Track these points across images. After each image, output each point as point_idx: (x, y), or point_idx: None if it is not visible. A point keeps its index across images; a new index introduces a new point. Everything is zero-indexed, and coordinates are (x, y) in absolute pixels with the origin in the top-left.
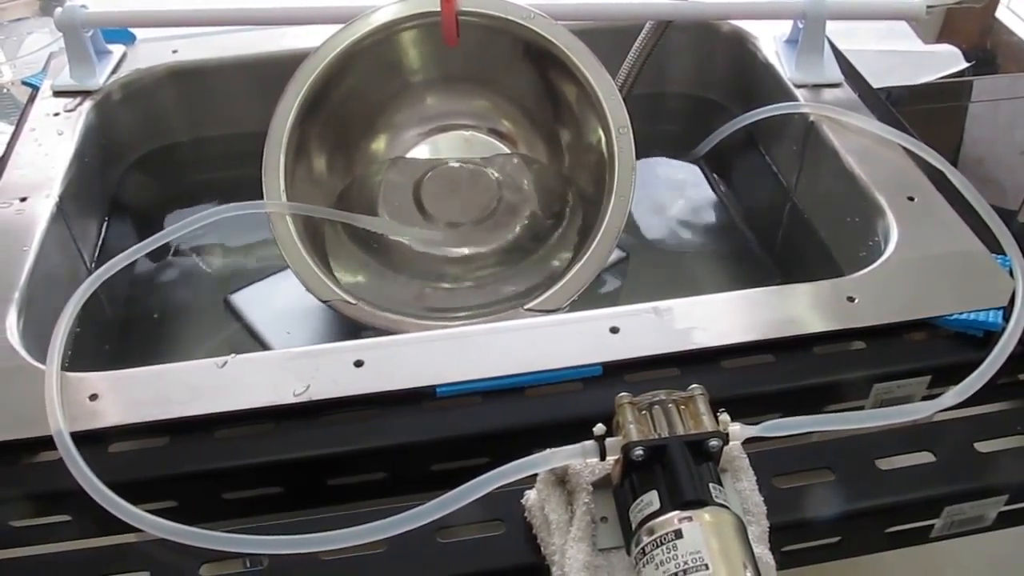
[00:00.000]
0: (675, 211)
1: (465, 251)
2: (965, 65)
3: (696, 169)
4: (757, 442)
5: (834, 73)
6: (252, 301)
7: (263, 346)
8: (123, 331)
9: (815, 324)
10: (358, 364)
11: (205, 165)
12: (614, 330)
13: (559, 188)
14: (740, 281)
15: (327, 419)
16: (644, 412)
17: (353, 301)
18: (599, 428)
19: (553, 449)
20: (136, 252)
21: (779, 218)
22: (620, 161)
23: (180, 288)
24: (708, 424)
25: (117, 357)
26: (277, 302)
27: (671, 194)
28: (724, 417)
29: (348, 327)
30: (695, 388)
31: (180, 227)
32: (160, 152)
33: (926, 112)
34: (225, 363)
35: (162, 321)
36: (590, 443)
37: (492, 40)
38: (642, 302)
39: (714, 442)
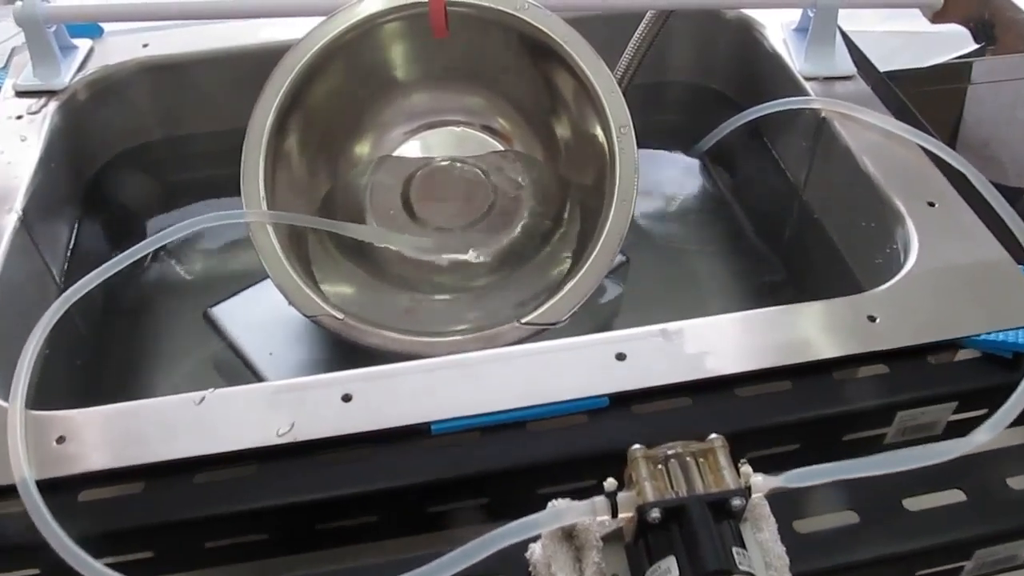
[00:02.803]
0: (676, 208)
1: (458, 258)
2: (974, 47)
3: (698, 164)
4: None
5: (846, 65)
6: (233, 315)
7: (246, 364)
8: (97, 346)
9: (834, 347)
10: (346, 399)
11: (182, 165)
12: (620, 356)
13: (557, 190)
14: (746, 285)
15: (314, 460)
16: (660, 466)
17: (340, 316)
18: (610, 484)
19: (561, 505)
20: (105, 271)
21: (787, 217)
22: (622, 162)
23: (159, 297)
24: (729, 480)
25: (92, 377)
26: (260, 315)
27: (672, 190)
28: (746, 469)
29: (336, 342)
30: (714, 439)
31: (153, 241)
32: (133, 153)
33: (921, 95)
34: (203, 399)
35: (140, 334)
36: (600, 499)
37: (483, 32)
38: (644, 309)
39: (737, 501)
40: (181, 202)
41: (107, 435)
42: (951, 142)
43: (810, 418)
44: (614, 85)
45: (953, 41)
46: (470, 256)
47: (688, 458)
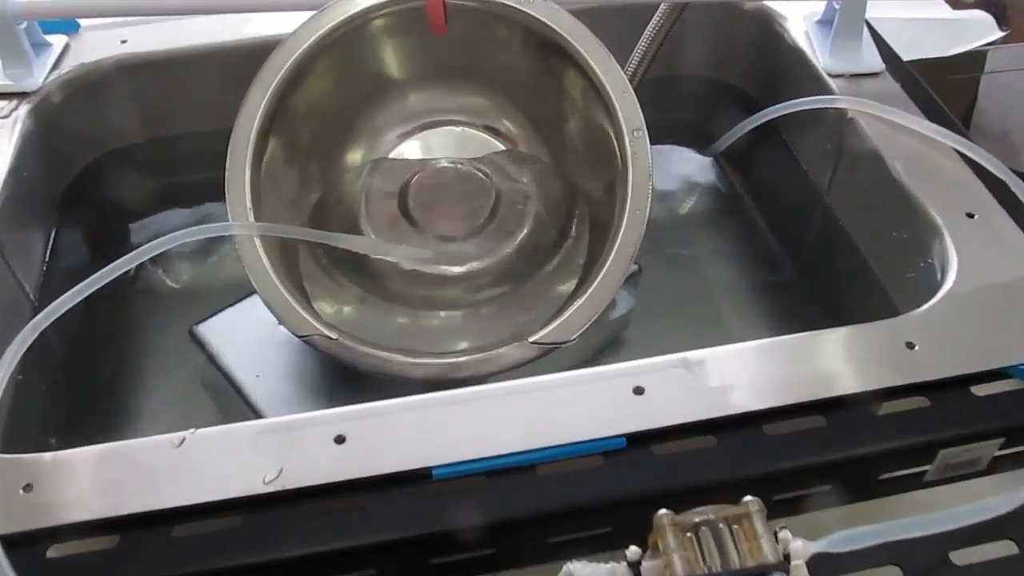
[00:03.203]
0: (689, 210)
1: (459, 270)
2: (1000, 34)
3: (713, 163)
4: None
5: (873, 60)
6: (220, 333)
7: (233, 386)
8: (77, 367)
9: (871, 378)
10: (339, 440)
11: (167, 169)
12: (638, 390)
13: (565, 195)
14: (764, 295)
15: (304, 510)
16: (689, 535)
17: (333, 336)
18: (633, 552)
19: (577, 571)
20: (78, 294)
21: (809, 223)
22: (635, 168)
23: (144, 310)
24: (767, 549)
25: (71, 402)
26: (249, 332)
27: (684, 191)
28: (784, 535)
29: (329, 362)
30: (749, 503)
31: (131, 258)
32: (113, 158)
33: (931, 85)
34: (183, 441)
35: (124, 352)
36: (622, 569)
37: (484, 28)
38: (655, 320)
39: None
40: (166, 208)
41: (79, 483)
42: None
43: (845, 458)
44: (626, 84)
45: (977, 28)
46: (472, 267)
47: (721, 525)
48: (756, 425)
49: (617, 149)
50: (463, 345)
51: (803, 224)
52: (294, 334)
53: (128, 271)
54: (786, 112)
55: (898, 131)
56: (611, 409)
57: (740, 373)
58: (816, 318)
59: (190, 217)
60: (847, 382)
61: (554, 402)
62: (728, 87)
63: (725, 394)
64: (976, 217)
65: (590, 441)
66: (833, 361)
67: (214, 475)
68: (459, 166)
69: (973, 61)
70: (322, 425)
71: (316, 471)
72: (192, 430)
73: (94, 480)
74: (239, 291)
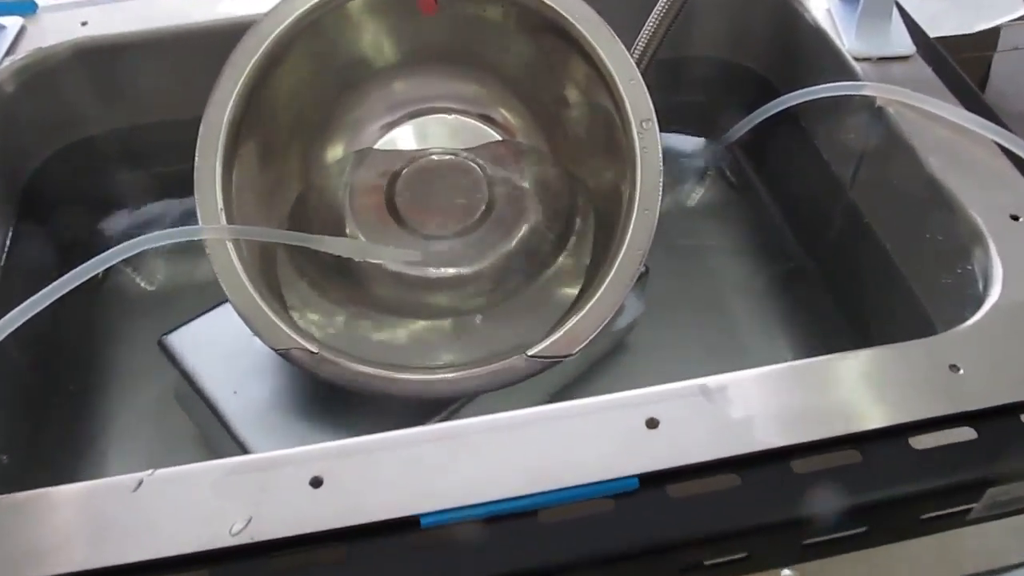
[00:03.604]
0: (699, 203)
1: (450, 272)
2: None
3: (726, 152)
4: None
5: (903, 42)
6: (191, 344)
7: (206, 403)
8: (38, 373)
9: (911, 407)
10: (316, 483)
11: (134, 161)
12: (652, 423)
13: (567, 191)
14: (780, 295)
15: (276, 564)
16: None
17: (314, 350)
18: None
19: None
20: (29, 309)
21: (831, 220)
22: (644, 164)
23: (113, 312)
24: None
25: (32, 422)
26: (223, 343)
27: (695, 182)
28: None
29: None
30: None
31: (89, 268)
32: (74, 150)
33: None
34: (140, 484)
35: (90, 358)
36: None
37: (478, 7)
38: (660, 325)
39: None
40: (134, 203)
41: (19, 534)
42: None
43: (883, 499)
44: (634, 71)
45: (1002, 4)
46: (464, 270)
47: None
48: (784, 462)
49: (624, 142)
50: (454, 358)
51: (824, 221)
52: (271, 348)
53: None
54: (807, 99)
55: (933, 121)
56: (621, 445)
57: (765, 402)
58: (838, 324)
59: (161, 211)
60: (884, 412)
61: (557, 437)
62: (743, 70)
63: (749, 427)
64: (1022, 219)
65: (599, 483)
66: (868, 388)
67: (175, 525)
68: (451, 157)
69: (987, 39)
70: (296, 465)
71: (289, 520)
72: (150, 471)
73: (36, 531)
74: (219, 295)
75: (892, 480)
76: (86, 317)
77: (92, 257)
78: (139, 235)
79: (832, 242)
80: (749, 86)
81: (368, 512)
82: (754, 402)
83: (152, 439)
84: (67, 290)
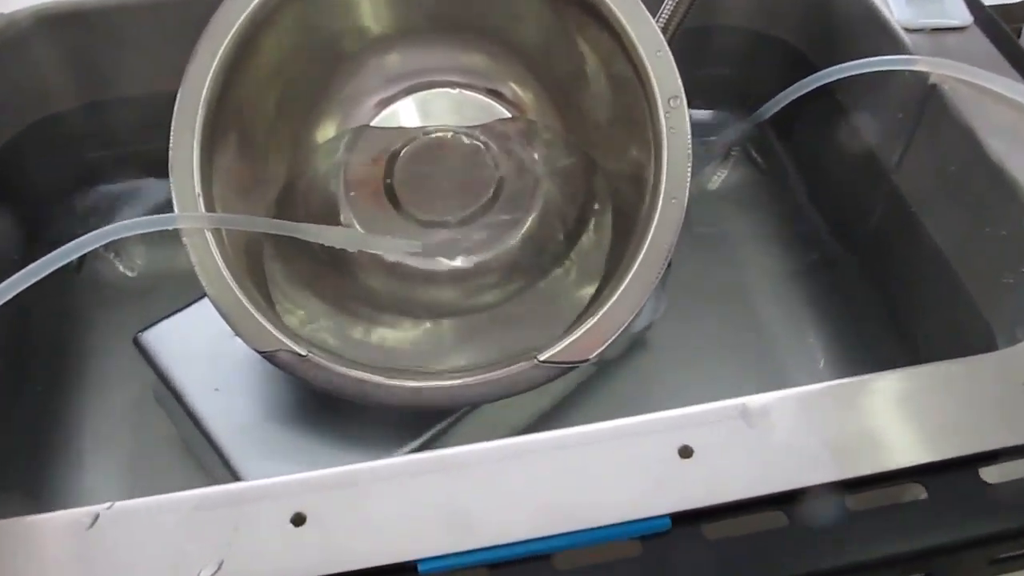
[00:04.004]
0: (725, 188)
1: (454, 265)
2: None
3: (752, 131)
4: None
5: (959, 11)
6: (170, 342)
7: (184, 408)
8: (7, 369)
9: (983, 434)
10: (298, 521)
11: (106, 139)
12: (685, 452)
13: (583, 177)
14: (813, 290)
15: None
16: None
17: (303, 352)
18: None
19: None
20: None
21: (871, 207)
22: (671, 147)
23: (90, 302)
24: None
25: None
26: (204, 342)
27: (718, 163)
28: None
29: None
30: None
31: (48, 261)
32: (41, 128)
33: None
34: (96, 520)
35: (63, 353)
36: None
37: None
38: (682, 323)
39: None
40: (108, 183)
41: None
42: None
43: (952, 542)
44: (661, 41)
45: None
46: (469, 262)
47: None
48: (838, 498)
49: (649, 121)
50: (456, 362)
51: (863, 209)
52: (254, 349)
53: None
54: (851, 73)
55: (993, 100)
56: (652, 478)
57: (814, 427)
58: (878, 324)
59: (137, 192)
60: (951, 440)
61: (576, 468)
62: (775, 42)
63: (796, 457)
64: None
65: (624, 523)
66: (930, 410)
67: (135, 570)
68: (455, 136)
69: (1012, 12)
70: (275, 499)
71: (266, 565)
72: (108, 504)
73: None
74: (202, 288)
75: (961, 521)
76: (60, 307)
77: (60, 247)
78: (116, 220)
79: (872, 233)
80: (780, 58)
81: (358, 557)
82: (801, 427)
83: (131, 440)
84: (29, 284)
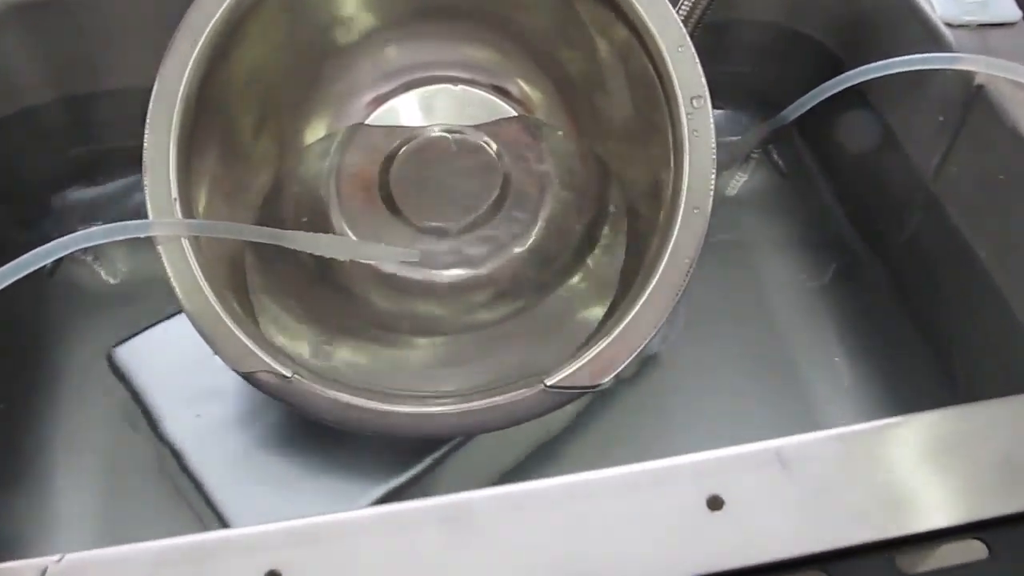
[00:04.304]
0: (745, 193)
1: (455, 275)
2: None
3: (775, 133)
4: None
5: (1007, 6)
6: (147, 359)
7: (158, 433)
8: None
9: None
10: None
11: (84, 135)
12: (715, 503)
13: (596, 184)
14: (837, 305)
15: None
16: None
17: (288, 373)
18: None
19: None
20: None
21: (905, 216)
22: (693, 151)
23: (65, 312)
24: None
25: None
26: (183, 358)
27: (737, 166)
28: None
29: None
30: None
31: (19, 265)
32: (12, 123)
33: None
34: (44, 573)
35: (36, 364)
36: None
37: None
38: (699, 340)
39: None
40: (87, 182)
41: None
42: None
43: None
44: (683, 35)
45: None
46: (470, 274)
47: None
48: (887, 558)
49: (669, 123)
50: (453, 386)
51: (896, 218)
52: (234, 370)
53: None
54: (888, 72)
55: None
56: (676, 534)
57: (862, 475)
58: (912, 344)
59: (117, 192)
60: (1014, 491)
61: (591, 521)
62: (801, 38)
63: (841, 509)
64: None
65: None
66: (989, 455)
67: None
68: (457, 136)
69: None
70: (246, 553)
71: None
72: (58, 556)
73: None
74: None
75: None
76: (32, 315)
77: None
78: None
79: (906, 245)
80: (807, 55)
81: None
82: (846, 475)
83: (104, 463)
84: None
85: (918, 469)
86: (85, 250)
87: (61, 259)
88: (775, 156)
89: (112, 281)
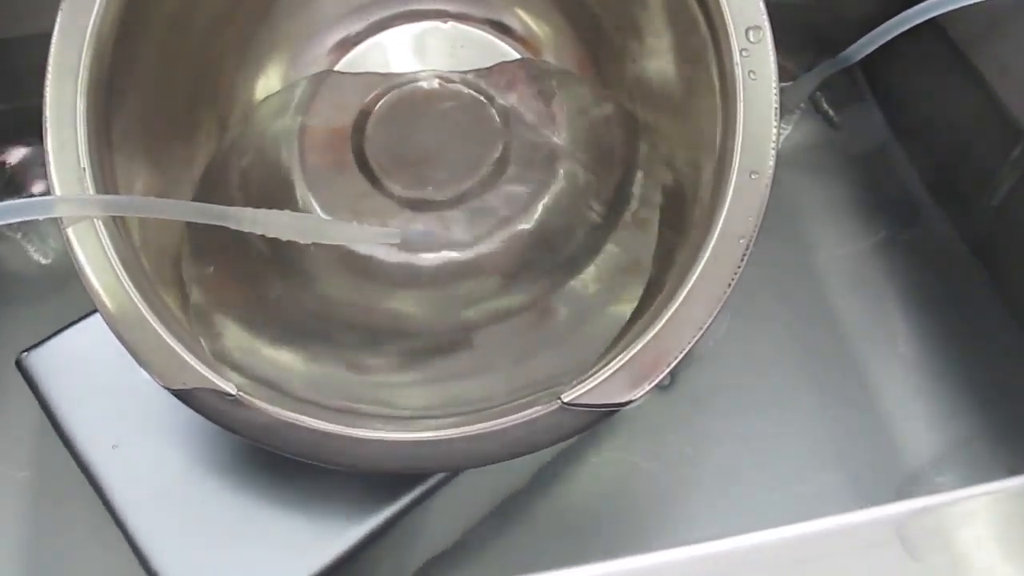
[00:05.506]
0: (790, 148)
1: (444, 258)
2: None
3: (844, 79)
4: None
5: None
6: (61, 366)
7: (76, 458)
8: None
9: None
10: None
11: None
12: None
13: (620, 143)
14: (905, 283)
15: None
16: None
17: (231, 391)
18: None
19: None
20: None
21: (995, 178)
22: (749, 100)
23: None
24: None
25: None
26: (106, 368)
27: (796, 118)
28: None
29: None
30: None
31: None
32: None
33: None
34: None
35: None
36: None
37: None
38: (741, 325)
39: None
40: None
41: None
42: None
43: None
44: None
45: None
46: (463, 257)
47: None
48: None
49: (715, 65)
50: (448, 405)
51: (983, 179)
52: (163, 387)
53: None
54: (967, 3)
55: None
56: None
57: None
58: (1002, 332)
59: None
60: None
61: None
62: None
63: None
64: None
65: None
66: None
67: None
68: (447, 85)
69: None
70: None
71: None
72: None
73: None
74: None
75: None
76: None
77: None
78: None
79: (995, 211)
80: None
81: None
82: (994, 554)
83: (28, 482)
84: None
85: None
86: (10, 225)
87: None
88: (824, 104)
89: (43, 261)
